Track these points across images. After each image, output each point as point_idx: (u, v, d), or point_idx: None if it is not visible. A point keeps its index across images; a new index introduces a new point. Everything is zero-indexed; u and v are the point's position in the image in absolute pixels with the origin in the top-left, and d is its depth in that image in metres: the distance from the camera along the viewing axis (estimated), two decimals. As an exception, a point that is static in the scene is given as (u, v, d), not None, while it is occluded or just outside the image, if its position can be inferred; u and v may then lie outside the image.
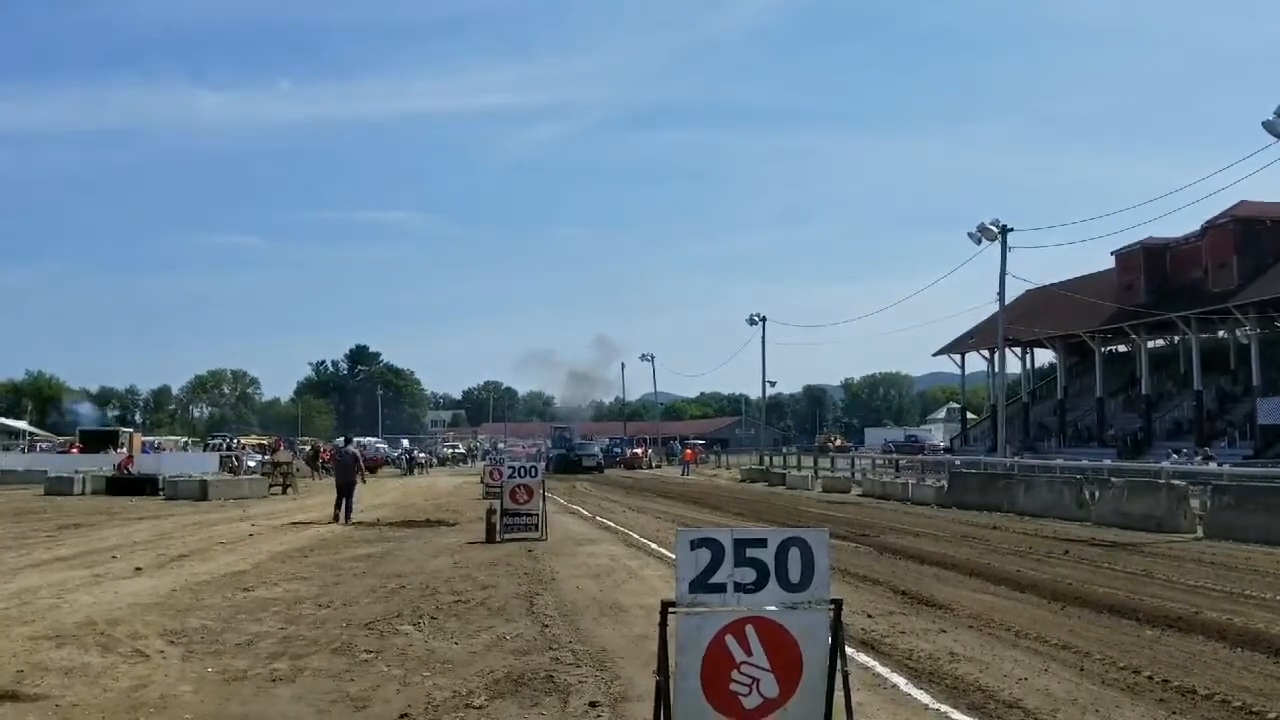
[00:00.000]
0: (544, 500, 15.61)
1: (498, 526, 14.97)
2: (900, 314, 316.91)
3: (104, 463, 34.84)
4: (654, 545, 14.72)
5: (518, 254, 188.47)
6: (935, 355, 59.70)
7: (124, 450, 41.21)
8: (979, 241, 34.43)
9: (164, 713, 5.76)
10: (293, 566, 12.41)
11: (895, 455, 49.24)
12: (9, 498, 26.00)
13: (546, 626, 8.21)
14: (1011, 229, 34.03)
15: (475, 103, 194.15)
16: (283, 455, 35.87)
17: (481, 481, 29.24)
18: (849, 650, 4.19)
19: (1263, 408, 36.96)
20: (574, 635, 7.90)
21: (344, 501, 19.09)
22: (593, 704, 5.83)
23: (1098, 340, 46.70)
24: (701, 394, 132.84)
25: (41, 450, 51.18)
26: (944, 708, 5.82)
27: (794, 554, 3.80)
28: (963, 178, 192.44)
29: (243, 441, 60.89)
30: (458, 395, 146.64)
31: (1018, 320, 43.11)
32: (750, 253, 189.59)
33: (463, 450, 73.99)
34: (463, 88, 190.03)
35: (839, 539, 14.44)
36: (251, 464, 37.93)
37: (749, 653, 3.77)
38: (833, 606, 3.84)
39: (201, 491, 26.11)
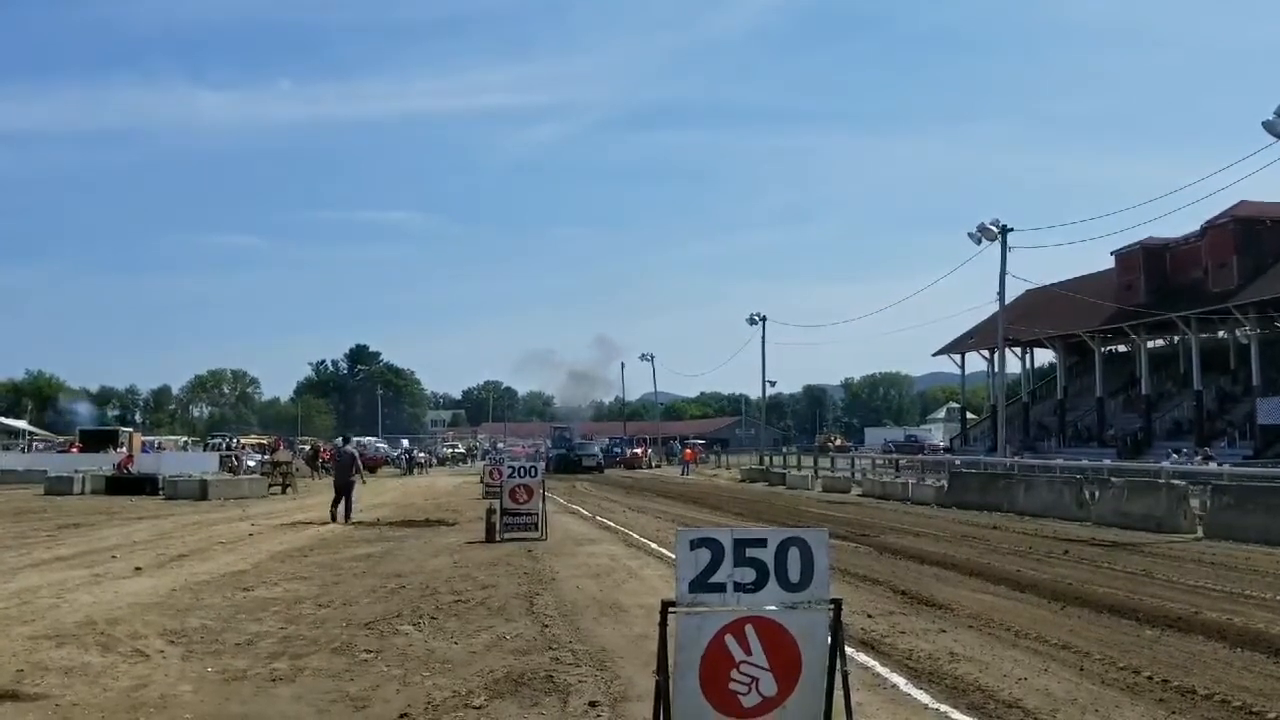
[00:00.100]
0: (544, 500, 15.60)
1: (497, 526, 14.97)
2: (900, 314, 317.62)
3: (104, 462, 34.90)
4: (654, 545, 14.71)
5: (518, 254, 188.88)
6: (935, 355, 59.88)
7: (124, 450, 41.26)
8: (979, 241, 34.51)
9: (164, 712, 5.76)
10: (292, 566, 12.41)
11: (895, 455, 49.24)
12: (9, 497, 26.01)
13: (546, 626, 8.21)
14: (1011, 229, 34.13)
15: (475, 103, 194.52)
16: (282, 455, 35.89)
17: (481, 481, 29.27)
18: (849, 650, 4.19)
19: (1262, 408, 36.99)
20: (574, 635, 7.90)
21: (342, 501, 19.09)
22: (592, 704, 5.83)
23: (1098, 340, 46.73)
24: (701, 394, 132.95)
25: (41, 450, 51.18)
26: (944, 707, 5.82)
27: (794, 554, 3.80)
28: (963, 178, 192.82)
29: (242, 441, 60.84)
30: (458, 395, 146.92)
31: (1018, 320, 43.13)
32: (750, 253, 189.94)
33: (462, 450, 73.98)
34: (463, 88, 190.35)
35: (839, 539, 14.44)
36: (251, 464, 37.95)
37: (748, 652, 3.77)
38: (832, 606, 3.84)
39: (201, 491, 26.12)
